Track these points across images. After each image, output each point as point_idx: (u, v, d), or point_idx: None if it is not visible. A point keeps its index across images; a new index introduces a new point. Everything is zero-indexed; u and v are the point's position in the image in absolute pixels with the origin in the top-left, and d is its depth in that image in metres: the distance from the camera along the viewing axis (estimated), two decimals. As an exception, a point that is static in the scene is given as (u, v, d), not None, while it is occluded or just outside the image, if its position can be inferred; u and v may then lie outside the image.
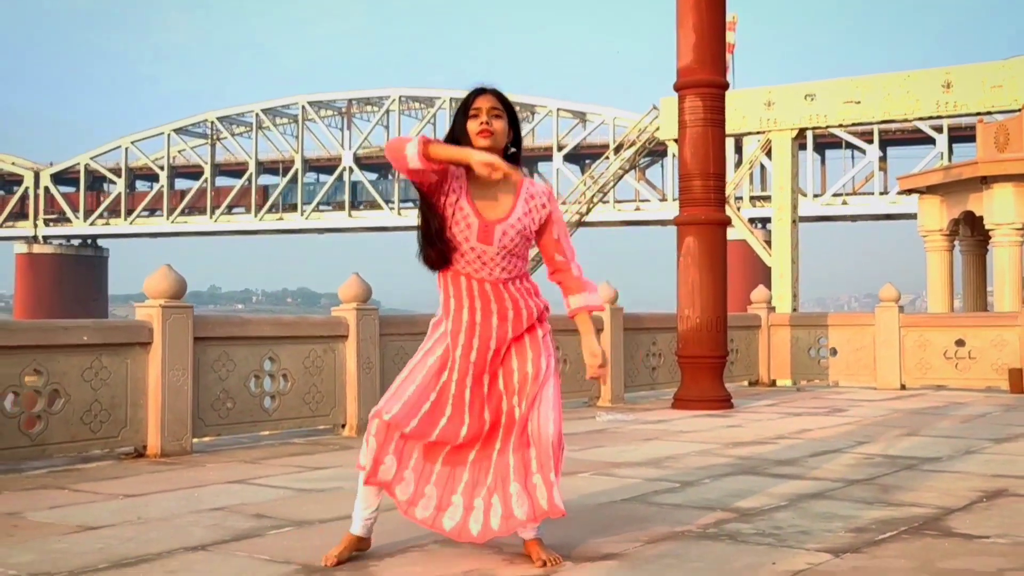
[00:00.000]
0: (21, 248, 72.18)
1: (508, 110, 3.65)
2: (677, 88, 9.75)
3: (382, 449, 3.63)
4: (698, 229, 9.62)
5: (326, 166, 67.89)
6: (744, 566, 3.66)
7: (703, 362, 9.67)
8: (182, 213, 68.24)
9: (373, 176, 67.41)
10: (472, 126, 3.57)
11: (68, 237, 72.73)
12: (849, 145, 56.90)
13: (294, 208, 66.01)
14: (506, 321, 3.66)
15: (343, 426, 7.86)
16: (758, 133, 27.80)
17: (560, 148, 59.70)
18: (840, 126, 28.29)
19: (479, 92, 3.63)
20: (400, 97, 64.90)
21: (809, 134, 35.49)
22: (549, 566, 3.61)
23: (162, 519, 4.59)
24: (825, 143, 56.93)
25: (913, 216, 45.17)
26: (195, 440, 6.86)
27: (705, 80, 9.53)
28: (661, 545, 4.00)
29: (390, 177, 65.76)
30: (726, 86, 9.74)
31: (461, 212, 3.55)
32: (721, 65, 9.70)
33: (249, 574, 3.59)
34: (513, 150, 3.69)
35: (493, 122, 3.57)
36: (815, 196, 57.19)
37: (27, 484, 5.57)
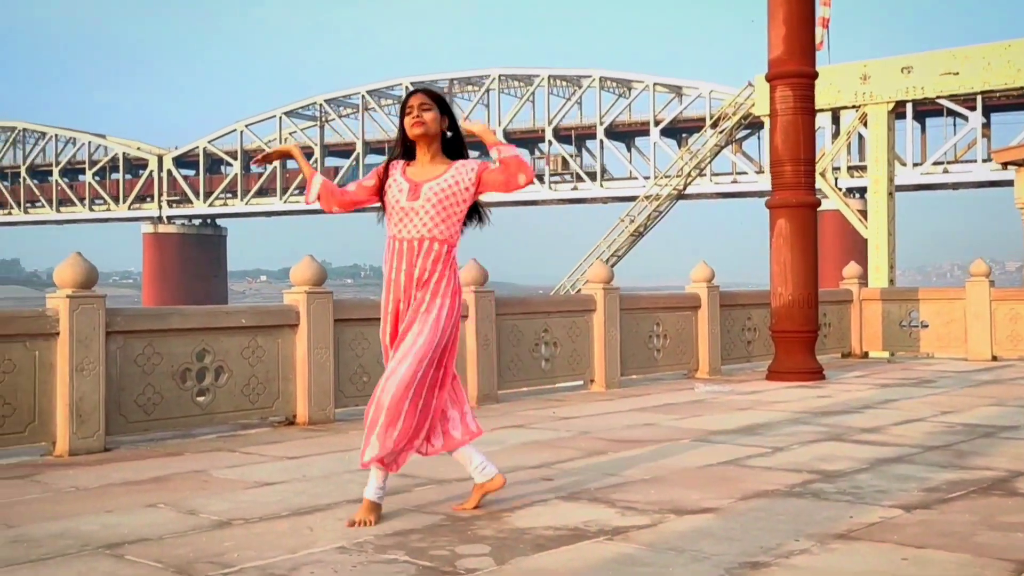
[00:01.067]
0: (147, 228, 75.17)
1: (438, 102, 4.31)
2: (769, 79, 10.12)
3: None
4: (789, 212, 10.02)
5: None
6: (824, 519, 4.18)
7: (795, 336, 10.09)
8: (294, 193, 70.16)
9: (475, 153, 68.09)
10: (407, 121, 4.28)
11: (190, 217, 75.45)
12: (951, 112, 55.40)
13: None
14: (413, 271, 4.23)
15: (464, 397, 8.52)
16: (853, 107, 27.62)
17: (657, 123, 59.56)
18: (938, 98, 27.91)
19: (411, 94, 4.31)
20: (500, 76, 65.49)
21: (908, 104, 34.96)
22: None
23: (323, 477, 5.31)
24: (925, 111, 55.50)
25: (1015, 184, 43.64)
26: (337, 410, 7.61)
27: (795, 71, 9.88)
28: (752, 501, 4.54)
29: (490, 155, 66.27)
30: (815, 76, 10.08)
31: (396, 183, 4.29)
32: (810, 56, 10.03)
33: (405, 522, 4.24)
34: (450, 134, 4.37)
35: (423, 114, 4.25)
36: (915, 165, 55.96)
37: (203, 447, 6.38)
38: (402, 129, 4.33)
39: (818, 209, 10.41)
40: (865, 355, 13.17)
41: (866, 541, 3.83)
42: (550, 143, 63.05)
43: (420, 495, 4.80)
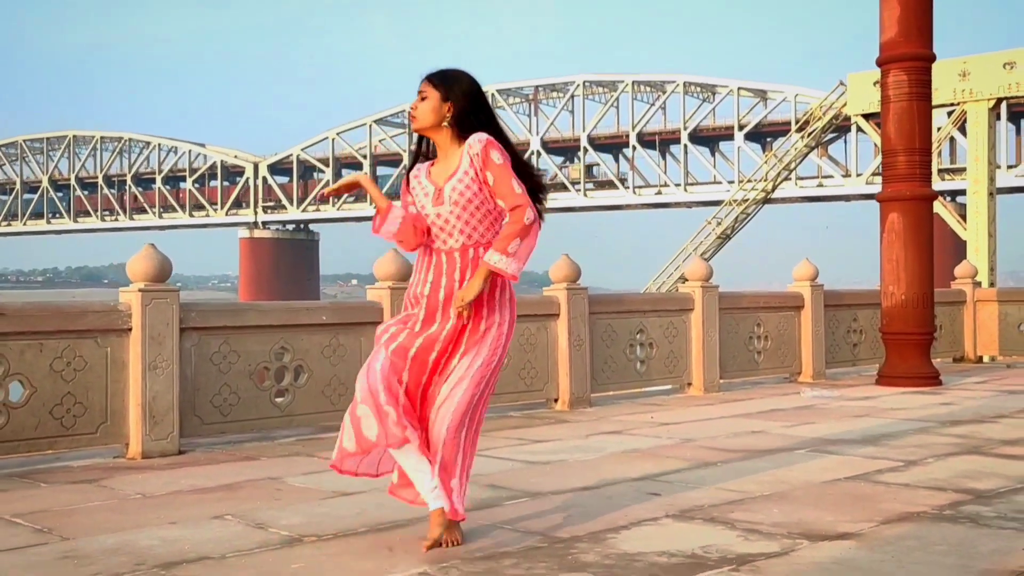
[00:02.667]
0: (244, 233, 76.32)
1: (440, 84, 3.56)
2: (880, 63, 9.27)
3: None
4: (903, 205, 9.15)
5: (507, 137, 68.40)
6: (992, 551, 3.45)
7: (909, 339, 9.21)
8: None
9: (559, 159, 67.63)
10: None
11: (284, 222, 76.36)
12: (1047, 113, 52.91)
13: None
14: (454, 286, 3.52)
15: (555, 400, 7.92)
16: (951, 105, 26.28)
17: (741, 127, 58.16)
18: (1041, 95, 26.42)
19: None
20: (584, 82, 64.75)
21: (1004, 104, 33.26)
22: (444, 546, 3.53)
23: (406, 487, 4.73)
24: (1021, 112, 53.23)
25: (1119, 185, 41.56)
26: (422, 412, 7.05)
27: (911, 53, 9.02)
28: (897, 526, 3.82)
29: (575, 160, 65.85)
30: (933, 58, 9.20)
31: (422, 186, 3.58)
32: (928, 37, 9.16)
33: (496, 542, 3.64)
34: (450, 117, 3.56)
35: (417, 106, 3.59)
36: (1010, 167, 53.61)
37: (280, 451, 5.87)
38: None
39: (937, 196, 9.50)
40: (979, 359, 12.16)
41: (1050, 581, 3.09)
42: (634, 148, 62.09)
43: (512, 510, 4.19)
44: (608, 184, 63.79)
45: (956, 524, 3.85)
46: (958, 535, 3.68)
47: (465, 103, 3.55)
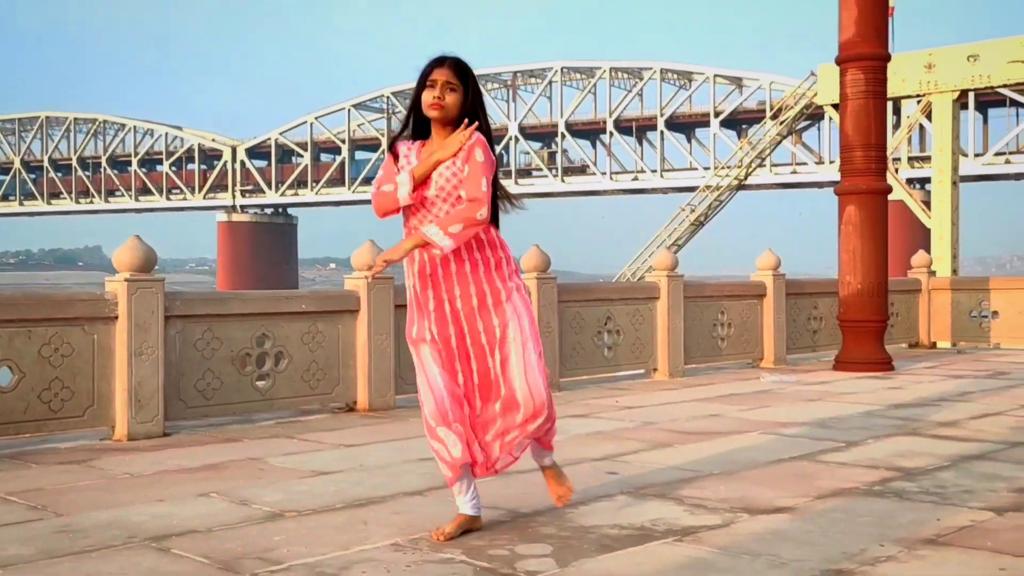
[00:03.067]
0: (222, 217, 76.09)
1: (465, 81, 3.55)
2: (839, 62, 9.61)
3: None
4: (859, 198, 9.51)
5: (493, 136, 68.56)
6: (909, 521, 3.79)
7: (864, 326, 9.59)
8: (362, 184, 70.46)
9: (537, 145, 67.83)
10: (427, 97, 3.52)
11: (262, 206, 76.19)
12: (1013, 103, 53.63)
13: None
14: (456, 271, 3.61)
15: (525, 384, 8.21)
16: (917, 96, 26.72)
17: (717, 114, 58.57)
18: (1004, 86, 26.88)
19: (437, 63, 3.55)
20: (562, 69, 64.92)
21: (970, 94, 33.79)
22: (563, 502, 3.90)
23: (380, 467, 5.03)
24: (987, 101, 53.84)
25: (1082, 174, 42.19)
26: (397, 396, 7.34)
27: (867, 53, 9.36)
28: (829, 501, 4.16)
29: (553, 146, 66.07)
30: (887, 58, 9.54)
31: (410, 164, 3.57)
32: (883, 37, 9.50)
33: (463, 516, 3.93)
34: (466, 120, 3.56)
35: (446, 95, 3.51)
36: (976, 155, 54.31)
37: (261, 433, 6.15)
38: (417, 101, 3.57)
39: (891, 190, 9.88)
40: (933, 345, 12.58)
41: (957, 547, 3.44)
42: (611, 134, 62.39)
43: (480, 488, 4.48)
44: (577, 170, 64.29)
45: (882, 498, 4.19)
46: (882, 508, 4.02)
47: (475, 99, 3.59)
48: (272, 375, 6.68)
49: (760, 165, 39.98)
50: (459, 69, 3.55)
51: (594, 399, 7.73)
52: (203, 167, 76.35)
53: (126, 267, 5.92)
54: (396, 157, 3.63)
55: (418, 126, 3.65)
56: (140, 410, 5.92)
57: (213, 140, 76.34)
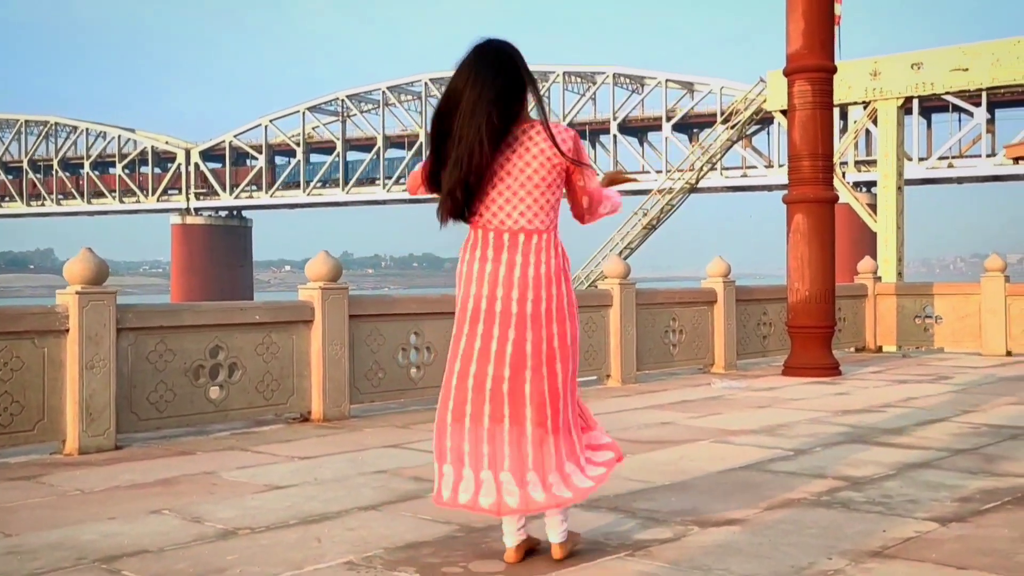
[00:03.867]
0: (176, 219, 75.15)
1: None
2: (787, 73, 9.72)
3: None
4: (807, 207, 9.63)
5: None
6: (856, 532, 3.84)
7: (812, 332, 9.71)
8: (317, 185, 70.01)
9: (491, 148, 67.78)
10: None
11: (216, 209, 75.38)
12: (956, 108, 54.69)
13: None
14: (512, 279, 3.36)
15: (480, 392, 8.20)
16: (864, 103, 27.11)
17: (669, 118, 59.00)
18: (946, 94, 27.36)
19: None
20: (516, 73, 64.91)
21: (915, 100, 34.41)
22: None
23: (335, 480, 4.99)
24: (931, 107, 54.88)
25: (1021, 178, 43.27)
26: (352, 406, 7.30)
27: (814, 65, 9.48)
28: (778, 512, 4.20)
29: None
30: (834, 70, 9.67)
31: None
32: (829, 50, 9.63)
33: (417, 533, 3.92)
34: None
35: None
36: (920, 160, 55.27)
37: (215, 446, 6.07)
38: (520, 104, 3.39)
39: (838, 199, 10.03)
40: (879, 349, 12.77)
41: (903, 560, 3.48)
42: (565, 138, 62.39)
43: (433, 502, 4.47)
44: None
45: (830, 509, 4.24)
46: (829, 519, 4.07)
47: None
48: (226, 386, 6.60)
49: (711, 169, 40.32)
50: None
51: (548, 407, 7.73)
52: (157, 169, 75.38)
53: (77, 279, 5.82)
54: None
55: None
56: (91, 423, 5.82)
57: (167, 142, 75.38)
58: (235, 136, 72.80)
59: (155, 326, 6.20)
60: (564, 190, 3.48)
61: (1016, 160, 21.43)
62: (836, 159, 31.03)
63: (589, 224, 3.62)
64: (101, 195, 76.96)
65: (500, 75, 3.29)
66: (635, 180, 3.98)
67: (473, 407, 3.35)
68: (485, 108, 3.22)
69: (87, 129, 77.32)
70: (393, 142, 69.96)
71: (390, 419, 7.16)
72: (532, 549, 3.54)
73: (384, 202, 71.00)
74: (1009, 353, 11.88)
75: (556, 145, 3.35)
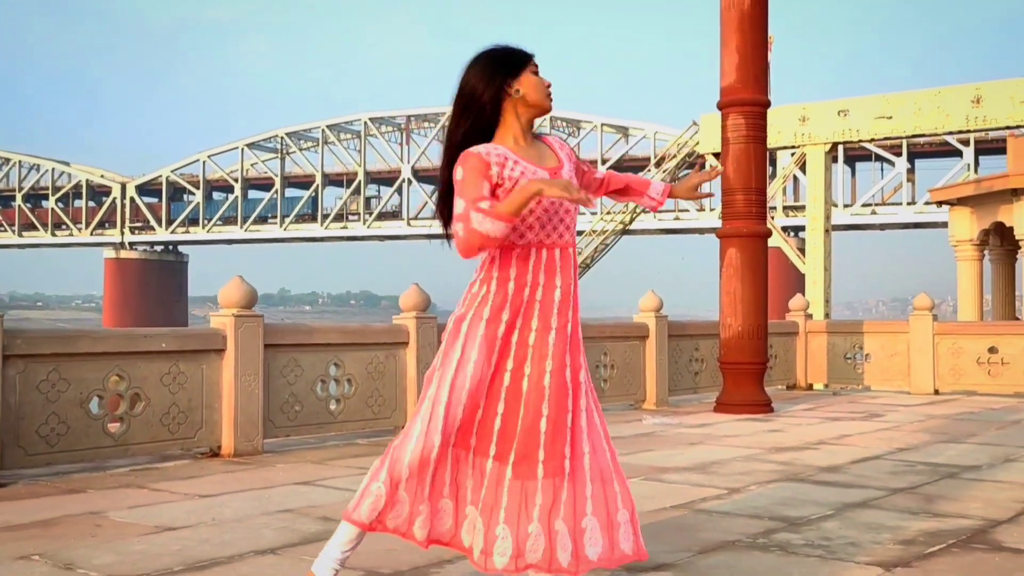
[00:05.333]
0: (109, 253, 73.35)
1: None
2: (721, 107, 9.52)
3: None
4: (740, 241, 9.39)
5: (386, 178, 68.21)
6: (796, 579, 3.48)
7: (744, 368, 9.43)
8: (255, 222, 68.95)
9: (430, 188, 67.54)
10: (542, 82, 2.90)
11: (152, 243, 73.79)
12: (878, 158, 55.98)
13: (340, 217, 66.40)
14: (568, 297, 2.88)
15: (403, 428, 7.74)
16: (792, 148, 27.37)
17: (604, 162, 59.36)
18: (872, 140, 27.74)
19: (529, 55, 2.91)
20: (455, 114, 64.96)
21: (840, 148, 34.88)
22: None
23: (235, 520, 4.50)
24: (855, 156, 56.14)
25: (939, 225, 44.32)
26: (266, 440, 6.78)
27: (748, 99, 9.29)
28: (712, 556, 3.83)
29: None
30: (767, 104, 9.50)
31: (522, 170, 2.80)
32: (763, 84, 9.46)
33: (316, 580, 3.45)
34: None
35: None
36: (845, 206, 56.32)
37: (110, 483, 5.52)
38: (496, 101, 2.86)
39: (771, 233, 9.83)
40: (810, 387, 12.57)
41: (848, 609, 3.12)
42: (502, 178, 62.50)
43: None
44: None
45: (767, 552, 3.88)
46: (767, 563, 3.70)
47: None
48: (127, 419, 6.05)
49: (644, 211, 40.49)
50: None
51: (474, 443, 7.30)
52: (91, 203, 73.66)
53: (-41, 301, 5.26)
54: (487, 166, 2.80)
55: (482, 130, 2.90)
56: (-29, 458, 5.24)
57: (102, 176, 73.76)
58: (172, 171, 71.52)
59: (47, 353, 5.65)
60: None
61: (940, 204, 21.70)
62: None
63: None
64: (33, 228, 74.89)
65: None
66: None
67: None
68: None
69: (20, 161, 75.36)
70: (332, 180, 69.33)
71: (305, 455, 6.66)
72: None
73: (322, 239, 70.16)
74: (937, 391, 11.76)
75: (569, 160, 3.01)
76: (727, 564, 3.69)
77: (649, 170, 40.15)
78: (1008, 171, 18.99)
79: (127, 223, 72.29)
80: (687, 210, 57.71)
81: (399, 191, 65.87)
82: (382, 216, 66.20)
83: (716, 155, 33.24)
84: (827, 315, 25.70)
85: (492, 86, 2.85)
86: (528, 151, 2.88)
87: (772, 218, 41.19)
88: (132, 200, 72.02)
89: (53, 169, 74.42)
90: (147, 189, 72.87)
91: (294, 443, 7.17)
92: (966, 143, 50.72)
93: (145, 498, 5.07)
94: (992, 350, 11.58)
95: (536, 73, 2.90)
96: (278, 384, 6.89)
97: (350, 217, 67.13)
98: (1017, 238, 18.29)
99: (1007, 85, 24.78)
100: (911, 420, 8.91)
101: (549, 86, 2.92)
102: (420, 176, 66.23)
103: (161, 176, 71.39)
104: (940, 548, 3.96)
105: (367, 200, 66.48)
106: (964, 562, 3.74)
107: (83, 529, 4.31)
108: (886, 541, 4.08)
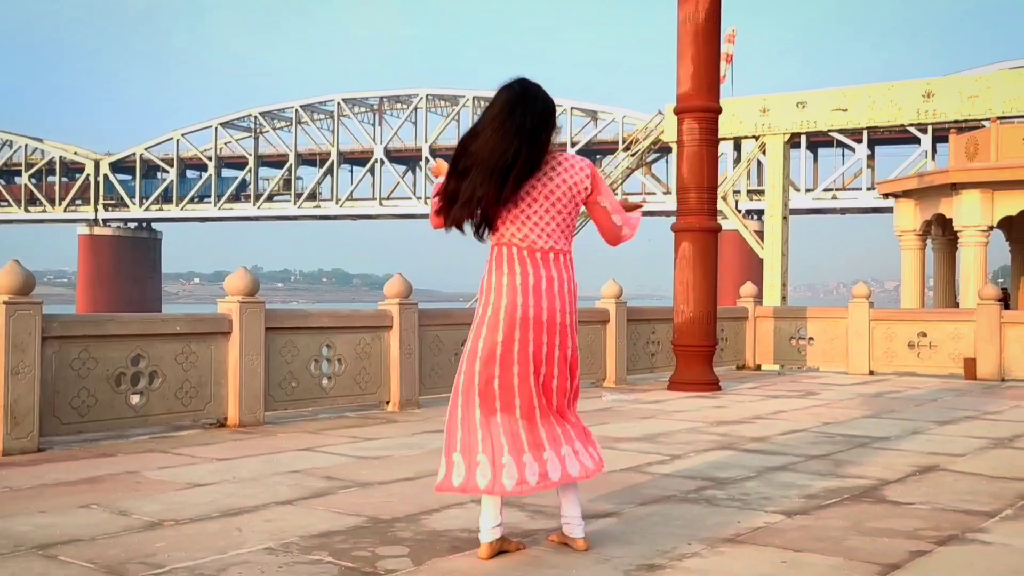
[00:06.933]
0: (83, 230, 73.21)
1: None
2: (677, 112, 10.34)
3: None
4: (693, 236, 10.24)
5: (359, 158, 68.60)
6: (715, 523, 4.32)
7: (695, 350, 10.31)
8: (228, 201, 69.10)
9: (402, 168, 68.00)
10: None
11: (125, 220, 73.70)
12: (840, 144, 57.15)
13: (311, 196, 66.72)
14: (552, 291, 3.69)
15: (387, 402, 8.55)
16: (754, 137, 28.28)
17: (573, 144, 60.11)
18: (829, 131, 28.72)
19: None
20: (427, 96, 65.41)
21: (802, 135, 36.04)
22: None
23: (252, 479, 5.28)
24: (817, 142, 57.25)
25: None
26: (266, 413, 7.55)
27: (701, 106, 10.12)
28: (650, 507, 4.66)
29: (417, 170, 66.35)
30: (719, 111, 10.33)
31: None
32: (715, 92, 10.28)
33: (329, 524, 4.25)
34: None
35: None
36: (808, 191, 57.51)
37: (136, 448, 6.28)
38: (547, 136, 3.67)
39: (721, 229, 10.69)
40: (758, 367, 13.50)
41: (750, 545, 3.96)
42: (474, 160, 63.03)
43: (344, 498, 4.81)
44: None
45: (695, 504, 4.72)
46: (694, 512, 4.54)
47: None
48: (146, 393, 6.81)
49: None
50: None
51: (451, 416, 8.10)
52: (65, 179, 73.37)
53: (4, 290, 5.98)
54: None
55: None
56: (15, 426, 5.97)
57: (75, 153, 73.46)
58: (146, 148, 71.40)
59: (79, 335, 6.38)
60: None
61: (887, 196, 22.69)
62: (730, 188, 32.30)
63: (619, 245, 3.98)
64: (6, 204, 74.51)
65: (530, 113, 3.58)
66: (645, 202, 4.26)
67: (522, 400, 3.65)
68: (525, 136, 3.54)
69: (-7, 137, 74.84)
70: (305, 159, 69.57)
71: (302, 425, 7.45)
72: (504, 551, 3.75)
73: (294, 218, 70.48)
74: (872, 372, 12.72)
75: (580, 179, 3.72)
76: (661, 513, 4.53)
77: (618, 154, 40.94)
78: (949, 167, 20.00)
79: (101, 200, 72.15)
80: (654, 193, 58.61)
81: (371, 171, 66.28)
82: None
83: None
84: (784, 298, 26.73)
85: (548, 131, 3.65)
86: None
87: (736, 203, 42.20)
88: (105, 177, 71.86)
89: (26, 145, 74.03)
90: (121, 166, 72.72)
91: (291, 415, 7.95)
92: (924, 130, 51.99)
93: (170, 461, 5.83)
94: (922, 335, 12.56)
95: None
96: (277, 363, 7.65)
97: (322, 197, 67.47)
98: (956, 229, 19.34)
99: (956, 81, 25.81)
100: (842, 398, 9.83)
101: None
102: (392, 157, 66.66)
103: (135, 153, 71.27)
104: (835, 501, 4.82)
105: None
106: (851, 511, 4.60)
107: (126, 485, 5.08)
108: (793, 496, 4.94)
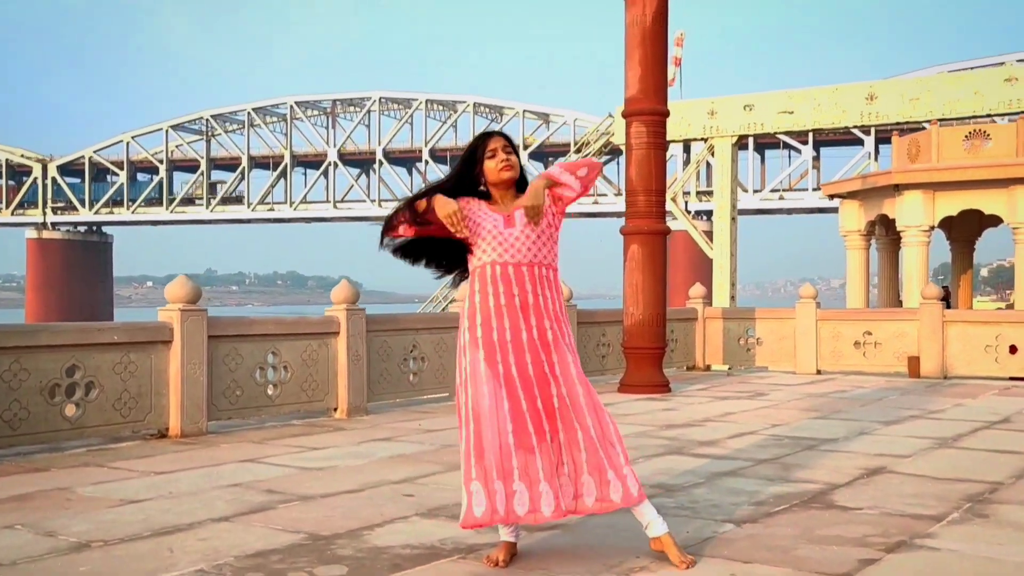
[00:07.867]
0: (32, 234, 71.68)
1: (513, 146, 3.85)
2: (625, 115, 10.25)
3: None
4: (642, 238, 10.15)
5: (312, 161, 67.97)
6: (663, 534, 4.19)
7: (645, 352, 10.22)
8: (180, 204, 68.08)
9: (355, 171, 67.46)
10: (493, 164, 3.72)
11: (75, 224, 72.27)
12: (786, 145, 57.80)
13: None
14: (530, 305, 3.68)
15: (335, 409, 8.34)
16: (702, 139, 28.39)
17: (526, 147, 60.07)
18: (775, 133, 28.93)
19: (487, 136, 3.78)
20: (380, 99, 64.97)
21: (750, 137, 36.30)
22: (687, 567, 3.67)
23: (190, 493, 5.06)
24: (764, 143, 57.86)
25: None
26: (209, 422, 7.31)
27: (649, 109, 10.03)
28: (597, 518, 4.51)
29: (371, 172, 65.88)
30: (667, 114, 10.25)
31: (487, 217, 3.70)
32: (663, 95, 10.20)
33: (266, 542, 4.06)
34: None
35: (510, 157, 3.74)
36: (755, 191, 58.07)
37: (71, 462, 6.01)
38: (469, 170, 3.76)
39: (670, 231, 10.63)
40: (707, 368, 13.48)
41: (699, 556, 3.84)
42: (427, 163, 62.88)
43: (284, 512, 4.61)
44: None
45: (643, 514, 4.59)
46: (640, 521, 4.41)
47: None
48: (83, 404, 6.54)
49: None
50: (508, 139, 3.83)
51: (399, 422, 7.93)
52: (11, 183, 71.74)
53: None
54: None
55: (460, 190, 3.77)
56: (-58, 442, 5.68)
57: (22, 155, 71.87)
58: (95, 151, 70.08)
59: (10, 346, 6.10)
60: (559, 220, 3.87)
61: (831, 197, 22.89)
62: (679, 189, 32.42)
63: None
64: (-49, 207, 72.69)
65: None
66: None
67: (534, 425, 3.68)
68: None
69: (-62, 139, 72.95)
70: (258, 162, 68.76)
71: (247, 435, 7.21)
72: (515, 555, 3.80)
73: (248, 221, 69.63)
74: (819, 372, 12.76)
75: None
76: (608, 524, 4.39)
77: (569, 156, 40.95)
78: (892, 168, 20.21)
79: (49, 203, 70.69)
80: (605, 195, 58.77)
81: (325, 174, 65.70)
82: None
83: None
84: (733, 298, 26.87)
85: (461, 172, 3.81)
86: (499, 206, 3.76)
87: (686, 203, 42.40)
88: (54, 180, 70.42)
89: (-28, 148, 72.26)
90: (69, 169, 71.32)
91: (236, 424, 7.71)
92: (867, 132, 52.76)
93: (105, 475, 5.58)
94: (867, 334, 12.61)
95: (494, 155, 3.73)
96: (221, 371, 7.41)
97: (276, 200, 66.73)
98: (899, 229, 19.54)
99: (898, 83, 26.13)
100: (790, 399, 9.80)
101: (503, 165, 3.73)
102: (346, 160, 66.13)
103: (84, 156, 69.93)
104: (784, 508, 4.73)
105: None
106: (800, 517, 4.51)
107: (56, 502, 4.83)
108: (742, 503, 4.84)
